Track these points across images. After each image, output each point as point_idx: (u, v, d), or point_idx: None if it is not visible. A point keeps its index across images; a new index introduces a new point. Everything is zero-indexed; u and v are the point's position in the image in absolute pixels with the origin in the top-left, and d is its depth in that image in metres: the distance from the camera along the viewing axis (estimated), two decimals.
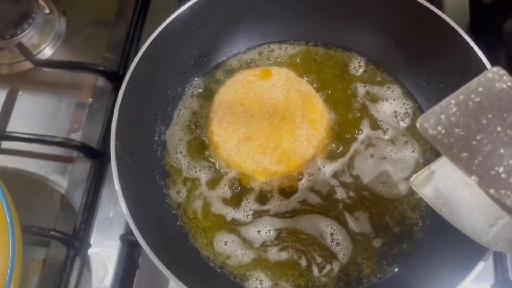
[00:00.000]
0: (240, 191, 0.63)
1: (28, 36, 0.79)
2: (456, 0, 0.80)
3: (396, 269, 0.59)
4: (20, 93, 0.78)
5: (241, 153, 0.61)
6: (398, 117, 0.67)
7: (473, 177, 0.35)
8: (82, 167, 0.71)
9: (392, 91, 0.69)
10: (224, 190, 0.63)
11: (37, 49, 0.79)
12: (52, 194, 0.70)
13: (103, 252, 0.65)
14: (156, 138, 0.66)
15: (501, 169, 0.35)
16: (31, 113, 0.76)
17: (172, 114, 0.69)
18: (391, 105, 0.68)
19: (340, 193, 0.62)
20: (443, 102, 0.37)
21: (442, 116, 0.36)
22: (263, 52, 0.73)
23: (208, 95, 0.70)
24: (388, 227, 0.61)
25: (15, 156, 0.73)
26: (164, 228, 0.61)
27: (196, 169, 0.65)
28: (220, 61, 0.72)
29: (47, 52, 0.80)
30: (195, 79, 0.71)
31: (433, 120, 0.36)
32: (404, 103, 0.68)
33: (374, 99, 0.68)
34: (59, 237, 0.63)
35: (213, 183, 0.64)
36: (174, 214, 0.63)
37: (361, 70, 0.70)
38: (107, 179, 0.69)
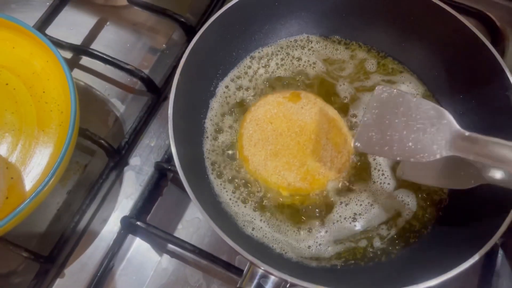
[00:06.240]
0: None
1: None
2: None
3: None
4: (108, 23, 0.88)
5: (268, 168, 0.65)
6: None
7: (398, 158, 0.52)
8: (140, 100, 0.80)
9: None
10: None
11: None
12: (109, 114, 0.79)
13: (136, 173, 0.73)
14: (211, 89, 0.72)
15: (410, 144, 0.51)
16: (112, 43, 0.86)
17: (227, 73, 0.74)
18: None
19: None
20: (361, 124, 0.54)
21: (364, 133, 0.54)
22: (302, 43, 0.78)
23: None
24: None
25: (88, 73, 0.83)
26: (197, 169, 0.66)
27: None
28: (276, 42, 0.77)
29: None
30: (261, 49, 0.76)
31: (360, 139, 0.54)
32: None
33: None
34: (105, 147, 0.71)
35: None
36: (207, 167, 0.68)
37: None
38: (158, 114, 0.78)
